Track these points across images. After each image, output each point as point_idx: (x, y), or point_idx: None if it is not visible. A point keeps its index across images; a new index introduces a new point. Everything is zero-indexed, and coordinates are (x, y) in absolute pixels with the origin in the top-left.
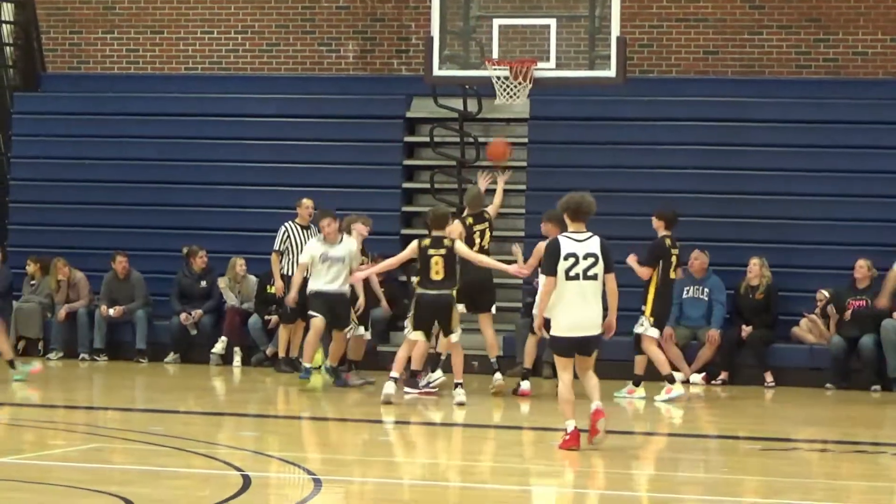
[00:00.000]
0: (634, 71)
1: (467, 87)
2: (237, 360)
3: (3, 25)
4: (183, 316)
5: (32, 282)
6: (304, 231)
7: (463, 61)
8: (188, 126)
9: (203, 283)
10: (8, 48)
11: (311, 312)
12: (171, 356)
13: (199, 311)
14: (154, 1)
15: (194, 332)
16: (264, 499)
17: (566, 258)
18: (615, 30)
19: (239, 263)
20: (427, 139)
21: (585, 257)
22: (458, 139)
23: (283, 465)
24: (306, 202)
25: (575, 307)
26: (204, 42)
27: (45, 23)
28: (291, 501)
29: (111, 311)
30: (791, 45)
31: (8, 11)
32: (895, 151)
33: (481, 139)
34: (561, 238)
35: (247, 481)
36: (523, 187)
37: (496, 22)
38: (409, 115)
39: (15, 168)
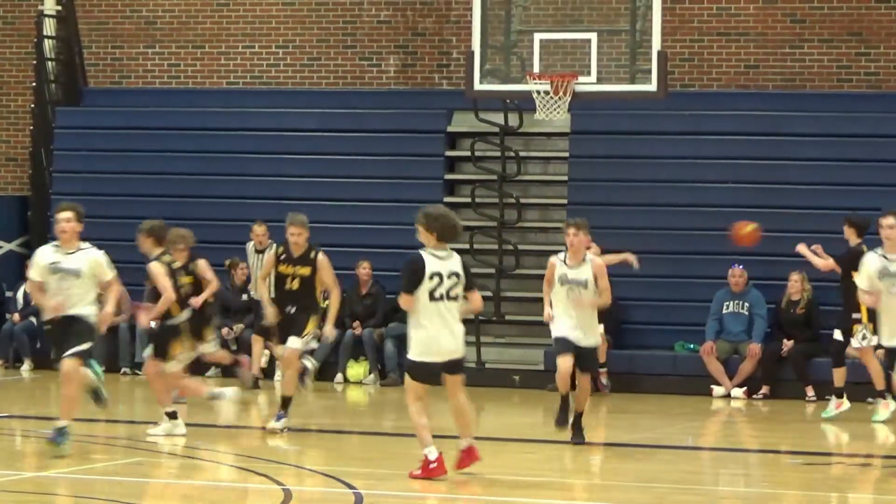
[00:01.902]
0: (675, 85)
1: (508, 101)
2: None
3: (45, 40)
4: (224, 330)
5: None
6: (259, 254)
7: (504, 75)
8: (229, 140)
9: (244, 297)
10: (50, 63)
11: None
12: (212, 370)
13: (241, 325)
14: (195, 16)
15: (234, 346)
16: None
17: (431, 278)
18: (656, 44)
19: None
20: (468, 153)
21: (449, 276)
22: (499, 153)
23: (324, 478)
24: (258, 229)
25: (438, 329)
26: (245, 56)
27: (86, 38)
28: None
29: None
30: (832, 59)
31: (50, 26)
32: None
33: (522, 153)
34: (424, 255)
35: (287, 495)
36: (564, 202)
37: (537, 36)
38: (450, 129)
39: (56, 182)
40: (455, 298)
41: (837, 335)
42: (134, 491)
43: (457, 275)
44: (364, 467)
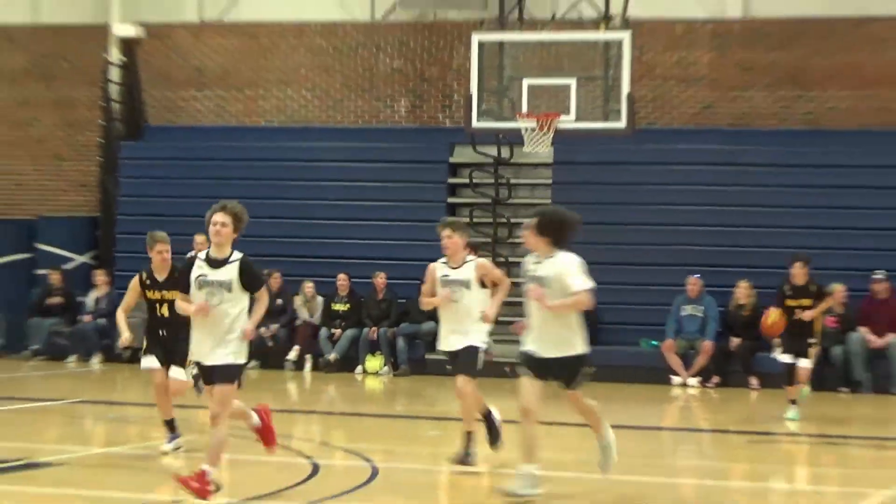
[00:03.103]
0: (641, 123)
1: (501, 136)
2: (308, 366)
3: (111, 85)
4: (262, 329)
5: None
6: None
7: (497, 115)
8: (266, 170)
9: (278, 301)
10: (116, 104)
11: None
12: (252, 363)
13: (276, 325)
14: (237, 64)
15: (271, 343)
16: (329, 483)
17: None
18: (625, 88)
19: (308, 285)
20: (467, 181)
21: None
22: (493, 180)
23: (346, 454)
24: (198, 238)
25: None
26: (279, 98)
27: (146, 83)
28: (351, 486)
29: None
30: (774, 100)
31: (116, 74)
32: (863, 190)
33: (512, 181)
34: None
35: (315, 468)
36: None
37: (525, 82)
38: (451, 160)
39: (122, 205)
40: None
41: (788, 359)
42: (185, 464)
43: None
44: (380, 445)
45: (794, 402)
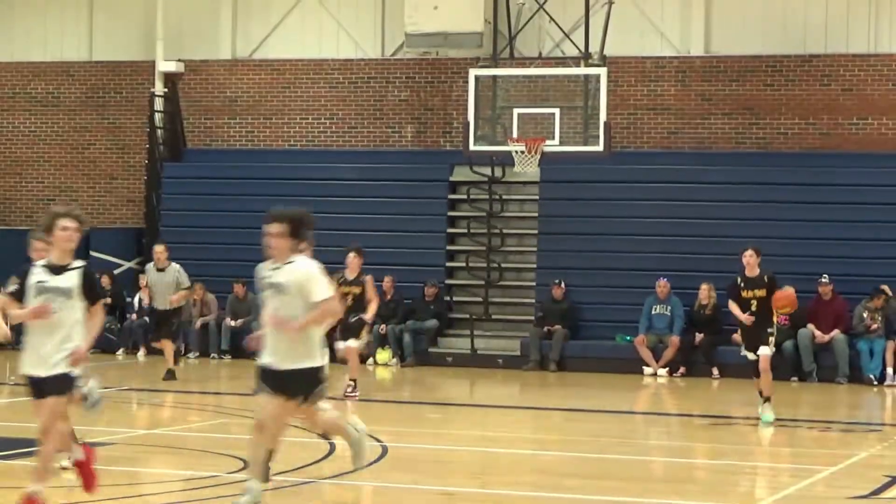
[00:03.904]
0: (616, 147)
1: (494, 158)
2: (326, 358)
3: (156, 114)
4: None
5: None
6: (159, 273)
7: (491, 139)
8: (290, 187)
9: None
10: (159, 130)
11: None
12: None
13: None
14: (265, 95)
15: None
16: (344, 461)
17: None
18: (602, 116)
19: None
20: (464, 196)
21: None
22: (487, 196)
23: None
24: (157, 248)
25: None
26: (302, 125)
27: (186, 112)
28: (348, 471)
29: (233, 323)
30: (731, 126)
31: (159, 103)
32: (809, 205)
33: (504, 196)
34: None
35: (332, 448)
36: (535, 232)
37: (515, 111)
38: (451, 178)
39: (164, 218)
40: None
41: (752, 355)
42: (219, 444)
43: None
44: (389, 427)
45: (768, 399)
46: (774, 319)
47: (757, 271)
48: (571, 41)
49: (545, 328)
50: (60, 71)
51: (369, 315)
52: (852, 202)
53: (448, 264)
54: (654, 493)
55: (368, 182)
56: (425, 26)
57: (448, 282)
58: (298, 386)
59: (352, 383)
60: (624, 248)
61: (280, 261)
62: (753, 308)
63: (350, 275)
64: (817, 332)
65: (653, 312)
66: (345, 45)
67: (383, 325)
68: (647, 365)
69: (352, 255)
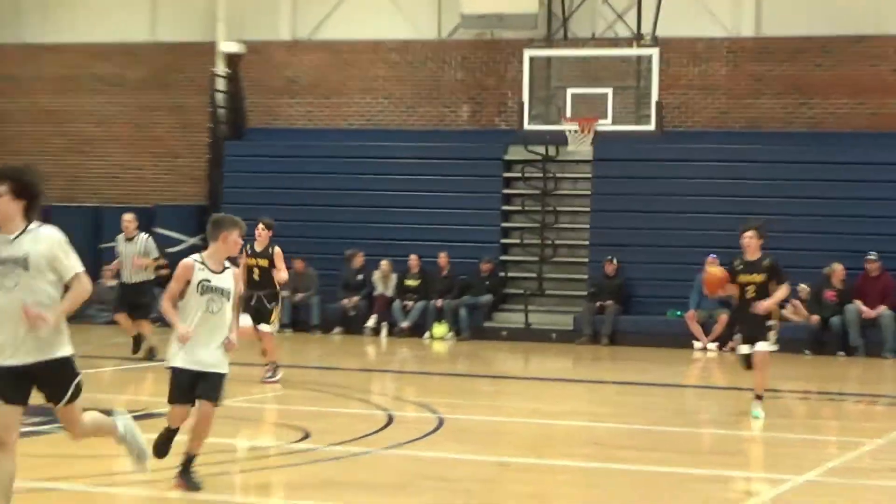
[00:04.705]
0: (668, 126)
1: (548, 137)
2: (384, 332)
3: (218, 94)
4: (345, 301)
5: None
6: (128, 243)
7: (545, 118)
8: (348, 166)
9: (359, 277)
10: (221, 110)
11: None
12: (336, 329)
13: (356, 297)
14: (324, 76)
15: (353, 312)
16: (402, 431)
17: None
18: (654, 96)
19: (385, 264)
20: (519, 175)
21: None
22: (541, 175)
23: (416, 406)
24: (126, 217)
25: None
26: (360, 105)
27: (247, 91)
28: (421, 433)
29: (296, 297)
30: (781, 107)
31: (221, 83)
32: (858, 184)
33: (558, 175)
34: None
35: (390, 419)
36: (588, 209)
37: (569, 91)
38: (506, 157)
39: (226, 195)
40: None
41: (745, 349)
42: (281, 416)
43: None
44: (444, 399)
45: (759, 397)
46: (776, 310)
47: (758, 254)
48: (624, 22)
49: (598, 304)
50: (125, 52)
51: (280, 279)
52: None
53: (503, 241)
54: (705, 465)
55: (425, 160)
56: (481, 7)
57: (503, 258)
58: (46, 381)
59: (271, 369)
60: (675, 226)
61: (10, 231)
62: (750, 294)
63: (258, 247)
64: (864, 308)
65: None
66: (402, 26)
67: (439, 300)
68: (698, 339)
69: (260, 226)
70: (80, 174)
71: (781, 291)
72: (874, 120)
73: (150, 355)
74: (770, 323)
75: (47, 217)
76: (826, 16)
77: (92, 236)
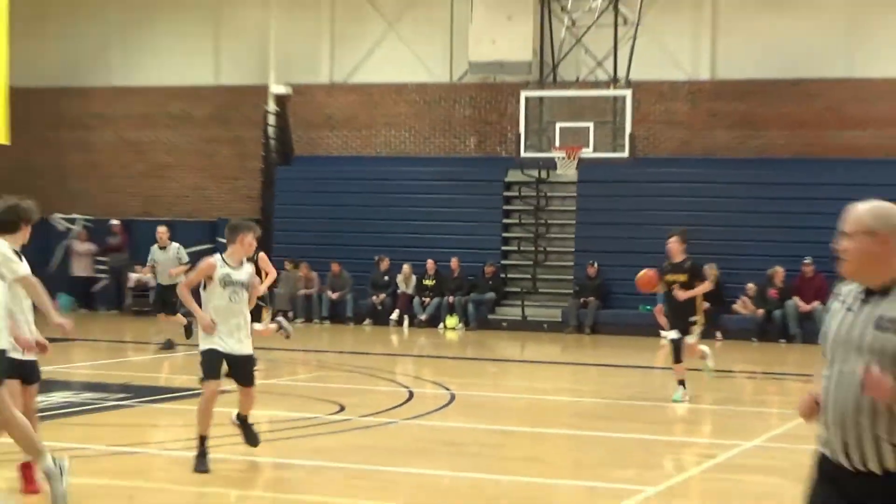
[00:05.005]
0: (639, 154)
1: (540, 162)
2: (406, 323)
3: (269, 127)
4: (374, 297)
5: (284, 277)
6: (162, 251)
7: (538, 147)
8: (377, 186)
9: (385, 278)
10: (272, 141)
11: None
12: (366, 321)
13: (383, 295)
14: (356, 113)
15: (380, 307)
16: (421, 405)
17: None
18: (628, 128)
19: (406, 267)
20: (516, 194)
21: None
22: (534, 194)
23: (432, 384)
24: (161, 229)
25: None
26: (386, 137)
27: (294, 126)
28: (436, 407)
29: (332, 294)
30: (733, 137)
31: (272, 119)
32: (796, 200)
33: (549, 194)
34: None
35: (411, 395)
36: (573, 222)
37: (557, 125)
38: (506, 180)
39: (277, 211)
40: None
41: (674, 335)
42: (318, 393)
43: None
44: (456, 378)
45: (681, 382)
46: (699, 306)
47: (681, 257)
48: (603, 68)
49: (581, 300)
50: (192, 93)
51: (262, 287)
52: (833, 198)
53: (503, 248)
54: (669, 433)
55: (439, 182)
56: (485, 56)
57: (503, 262)
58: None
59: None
60: (645, 235)
61: None
62: (676, 291)
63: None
64: (801, 303)
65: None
66: (420, 71)
67: (451, 297)
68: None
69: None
70: (156, 194)
71: (701, 287)
72: (810, 148)
73: (171, 344)
74: (693, 319)
75: (129, 229)
76: (770, 62)
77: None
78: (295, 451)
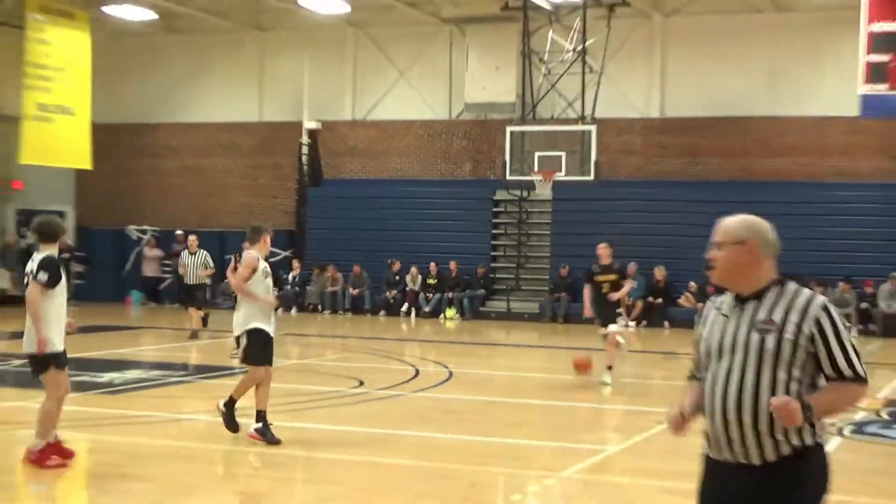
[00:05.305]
0: (602, 177)
1: (523, 184)
2: (413, 315)
3: (303, 156)
4: (387, 293)
5: (315, 276)
6: (192, 256)
7: (521, 172)
8: (390, 202)
9: (397, 277)
10: (305, 166)
11: None
12: (381, 313)
13: (395, 291)
14: (373, 144)
15: (392, 301)
16: (425, 381)
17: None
18: (593, 156)
19: (414, 269)
20: (503, 209)
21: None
22: (518, 209)
23: (434, 364)
24: (191, 238)
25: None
26: (397, 163)
27: (323, 154)
28: (438, 382)
29: (354, 292)
30: (678, 164)
31: (305, 149)
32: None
33: (529, 209)
34: None
35: (417, 372)
36: (549, 232)
37: (536, 153)
38: (494, 198)
39: (309, 222)
40: None
41: (603, 330)
42: (342, 373)
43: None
44: (454, 359)
45: (609, 367)
46: (624, 301)
47: (609, 261)
48: (573, 108)
49: (555, 295)
50: (241, 128)
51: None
52: (760, 213)
53: (492, 253)
54: (625, 403)
55: (440, 200)
56: (477, 98)
57: (492, 265)
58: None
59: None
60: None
61: None
62: (605, 290)
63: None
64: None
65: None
66: (425, 111)
67: (450, 293)
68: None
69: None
70: (211, 210)
71: (626, 286)
72: (740, 173)
73: (195, 335)
74: (619, 310)
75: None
76: (708, 104)
77: (220, 251)
78: (322, 418)
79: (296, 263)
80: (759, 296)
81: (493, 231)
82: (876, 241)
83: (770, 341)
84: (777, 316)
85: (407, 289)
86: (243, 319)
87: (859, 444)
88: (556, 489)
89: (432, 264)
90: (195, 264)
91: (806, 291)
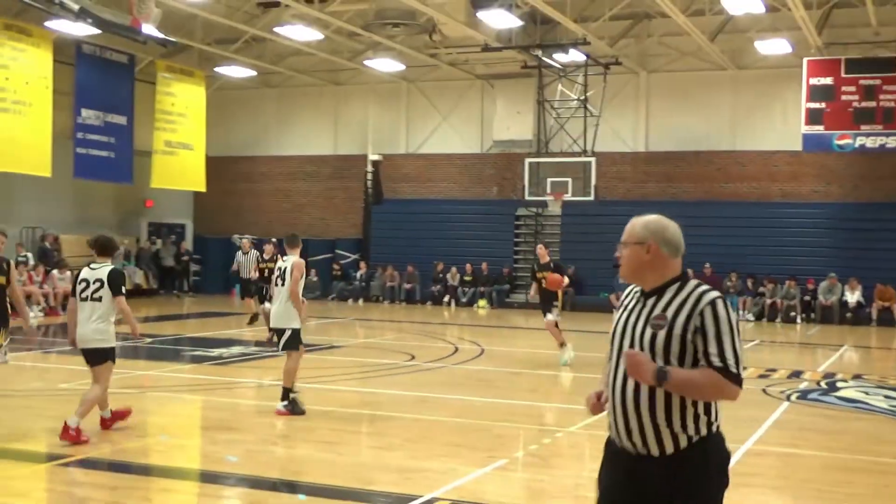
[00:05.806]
0: (601, 198)
1: (538, 203)
2: (453, 305)
3: (368, 181)
4: (433, 287)
5: (377, 274)
6: (245, 256)
7: (537, 193)
8: (436, 216)
9: (441, 275)
10: (369, 189)
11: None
12: (428, 303)
13: (439, 286)
14: (422, 172)
15: (437, 293)
16: (462, 356)
17: (79, 283)
18: (593, 182)
19: (454, 269)
20: (523, 223)
21: (94, 282)
22: (535, 223)
23: (470, 342)
24: (244, 241)
25: (81, 324)
26: (440, 187)
27: (383, 179)
28: (472, 356)
29: (407, 286)
30: (660, 187)
31: (370, 176)
32: (701, 227)
33: (544, 223)
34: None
35: (455, 349)
36: (559, 241)
37: (549, 179)
38: (516, 214)
39: (374, 232)
40: (97, 300)
41: (545, 318)
42: (358, 362)
43: (101, 281)
44: (485, 338)
45: (562, 345)
46: (560, 294)
47: (546, 259)
48: (577, 143)
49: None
50: (319, 159)
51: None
52: (723, 226)
53: (514, 257)
54: None
55: (473, 215)
56: (503, 136)
57: (514, 266)
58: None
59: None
60: (604, 249)
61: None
62: (544, 284)
63: (266, 255)
64: None
65: (619, 282)
66: (461, 145)
67: (482, 288)
68: (617, 309)
69: (269, 245)
70: (296, 222)
71: (562, 281)
72: (707, 195)
73: (254, 320)
74: (555, 302)
75: (280, 246)
76: (683, 140)
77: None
78: (382, 384)
79: (363, 264)
80: (660, 292)
81: (515, 240)
82: (816, 248)
83: (660, 336)
84: (670, 312)
85: (448, 284)
86: (286, 316)
87: (802, 407)
88: (564, 441)
89: (468, 265)
90: (248, 262)
91: (702, 288)
